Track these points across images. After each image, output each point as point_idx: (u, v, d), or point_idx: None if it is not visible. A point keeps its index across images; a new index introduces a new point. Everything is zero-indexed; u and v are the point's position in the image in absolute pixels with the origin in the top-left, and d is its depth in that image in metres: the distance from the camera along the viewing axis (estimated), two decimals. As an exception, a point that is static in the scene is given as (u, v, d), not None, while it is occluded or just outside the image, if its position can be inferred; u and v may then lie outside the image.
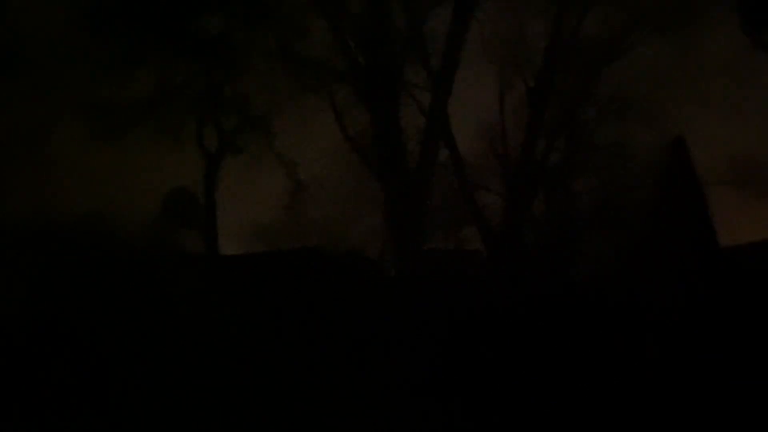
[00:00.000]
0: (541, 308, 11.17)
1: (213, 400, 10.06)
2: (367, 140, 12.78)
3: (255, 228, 13.24)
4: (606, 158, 13.04)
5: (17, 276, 10.99)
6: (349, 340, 10.61)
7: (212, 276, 12.18)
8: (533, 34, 13.11)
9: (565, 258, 12.49)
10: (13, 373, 10.09)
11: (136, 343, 10.63)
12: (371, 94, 12.57)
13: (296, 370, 10.30)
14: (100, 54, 12.28)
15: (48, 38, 12.26)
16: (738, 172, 12.59)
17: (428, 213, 12.61)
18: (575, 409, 9.78)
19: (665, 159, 12.36)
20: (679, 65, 12.49)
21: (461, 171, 12.81)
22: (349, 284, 11.69)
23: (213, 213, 13.06)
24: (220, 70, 12.68)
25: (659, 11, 12.79)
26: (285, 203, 13.08)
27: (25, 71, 12.21)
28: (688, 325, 10.55)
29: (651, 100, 12.69)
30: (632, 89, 12.88)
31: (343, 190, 12.86)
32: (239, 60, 12.62)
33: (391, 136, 12.55)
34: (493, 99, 13.07)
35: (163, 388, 10.19)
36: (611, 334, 10.38)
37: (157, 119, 12.64)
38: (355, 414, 9.68)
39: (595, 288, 11.71)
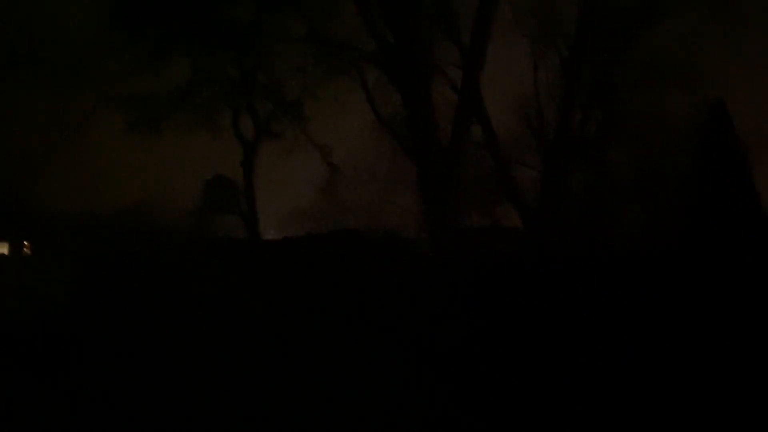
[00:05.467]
0: (580, 284, 11.07)
1: (262, 380, 10.26)
2: (399, 120, 12.73)
3: (292, 212, 13.40)
4: (644, 126, 12.72)
5: (65, 266, 11.36)
6: (388, 320, 10.69)
7: (254, 260, 12.41)
8: (565, 3, 12.83)
9: (603, 231, 12.30)
10: (62, 361, 10.44)
11: (183, 328, 10.89)
12: (402, 73, 12.49)
13: (338, 351, 10.43)
14: (135, 46, 12.47)
15: (84, 33, 12.51)
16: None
17: (463, 191, 12.53)
18: (613, 387, 9.69)
19: (705, 124, 12.06)
20: (717, 27, 12.09)
21: (495, 147, 12.66)
22: (387, 265, 11.75)
23: (252, 198, 13.26)
24: (252, 58, 12.77)
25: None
26: (321, 186, 13.18)
27: (63, 66, 12.50)
28: (733, 293, 10.33)
29: (689, 64, 12.30)
30: (669, 54, 12.50)
31: (378, 171, 12.88)
32: (271, 46, 12.69)
33: (423, 115, 12.47)
34: (527, 72, 12.87)
35: (212, 369, 10.43)
36: (648, 310, 10.22)
37: (193, 109, 12.84)
38: (395, 391, 9.76)
39: (635, 260, 11.51)
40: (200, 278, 11.49)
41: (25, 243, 12.79)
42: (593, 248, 11.97)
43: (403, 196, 12.82)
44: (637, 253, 11.78)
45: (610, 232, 12.27)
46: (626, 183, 12.61)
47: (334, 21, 12.58)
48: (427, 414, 9.56)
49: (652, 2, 12.48)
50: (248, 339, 10.83)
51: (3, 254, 12.82)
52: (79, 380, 10.23)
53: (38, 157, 12.53)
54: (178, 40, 12.33)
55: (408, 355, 10.18)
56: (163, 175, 12.63)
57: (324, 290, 11.30)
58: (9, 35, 12.40)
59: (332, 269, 11.69)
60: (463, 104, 12.66)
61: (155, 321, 10.95)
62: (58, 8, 12.45)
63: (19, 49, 12.38)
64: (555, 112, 12.70)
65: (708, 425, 8.68)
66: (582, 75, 12.67)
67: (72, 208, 12.15)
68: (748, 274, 10.47)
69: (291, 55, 12.67)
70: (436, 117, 12.65)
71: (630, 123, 12.72)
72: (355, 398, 9.86)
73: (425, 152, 12.46)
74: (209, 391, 10.09)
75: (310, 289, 11.39)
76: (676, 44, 12.28)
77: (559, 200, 12.43)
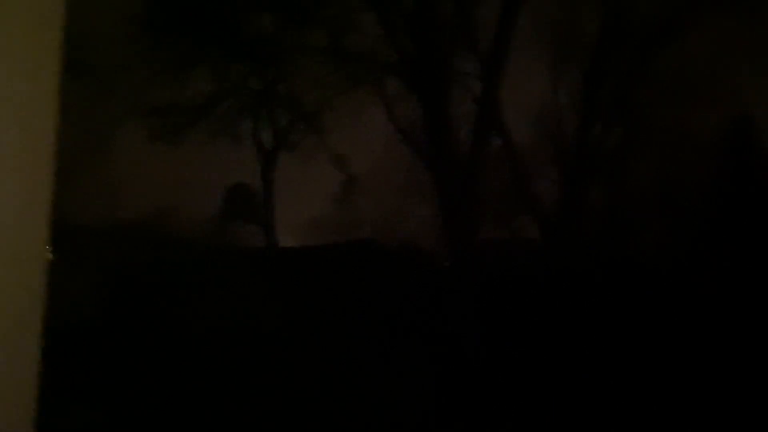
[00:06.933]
0: (600, 298, 10.98)
1: (274, 394, 10.30)
2: (418, 131, 12.72)
3: (310, 221, 13.45)
4: (667, 141, 12.59)
5: (86, 274, 11.49)
6: (403, 332, 10.68)
7: (272, 269, 12.46)
8: (586, 15, 12.74)
9: (624, 246, 12.18)
10: (84, 367, 10.55)
11: (200, 339, 10.96)
12: (421, 84, 12.48)
13: (351, 361, 10.44)
14: (157, 57, 12.62)
15: (106, 43, 12.68)
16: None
17: (482, 203, 12.47)
18: (637, 399, 9.59)
19: (730, 140, 11.91)
20: (742, 43, 11.92)
21: (514, 159, 12.59)
22: (403, 277, 11.74)
23: (271, 207, 13.34)
24: (273, 69, 12.87)
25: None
26: (338, 196, 13.21)
27: (85, 75, 12.68)
28: (755, 311, 10.19)
29: (713, 80, 12.15)
30: (694, 68, 12.36)
31: (396, 182, 12.88)
32: (292, 58, 12.78)
33: (442, 126, 12.44)
34: (547, 84, 12.80)
35: (228, 382, 10.49)
36: (669, 323, 10.11)
37: (214, 118, 12.96)
38: (409, 407, 9.74)
39: (656, 276, 11.40)
40: (219, 286, 11.56)
41: (47, 248, 12.96)
42: (612, 262, 11.86)
43: (420, 207, 12.82)
44: (656, 267, 11.66)
45: (629, 246, 12.16)
46: (647, 198, 12.48)
47: (354, 32, 12.63)
48: (440, 425, 9.53)
49: (676, 15, 12.36)
50: (266, 347, 10.88)
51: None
52: (102, 388, 10.35)
53: (61, 163, 12.70)
54: (204, 50, 12.46)
55: (424, 366, 10.16)
56: (183, 183, 12.76)
57: (340, 299, 11.33)
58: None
59: (349, 279, 11.71)
60: (482, 115, 12.61)
61: (176, 330, 11.04)
62: (81, 17, 12.63)
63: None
64: (575, 124, 12.62)
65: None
66: (603, 88, 12.58)
67: (93, 216, 12.30)
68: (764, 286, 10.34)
69: (311, 67, 12.73)
70: (455, 128, 12.63)
71: (652, 137, 12.61)
72: (370, 408, 9.85)
73: (444, 163, 12.43)
74: (227, 399, 10.15)
75: (326, 298, 11.42)
76: (702, 58, 12.14)
77: (578, 213, 12.34)
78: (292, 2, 12.59)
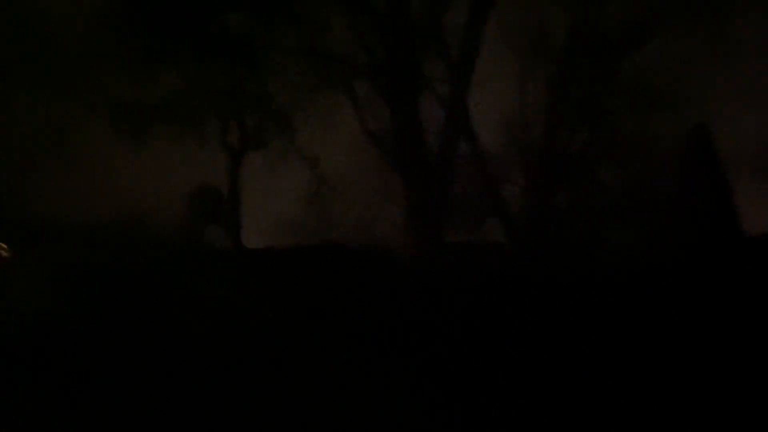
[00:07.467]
0: (563, 300, 11.17)
1: (240, 397, 10.25)
2: (387, 135, 12.80)
3: (278, 223, 13.39)
4: (629, 147, 12.91)
5: (45, 276, 11.25)
6: (371, 334, 10.72)
7: (237, 271, 12.36)
8: (554, 22, 12.98)
9: (588, 250, 12.43)
10: (37, 372, 10.34)
11: (166, 341, 10.84)
12: (391, 88, 12.57)
13: (319, 366, 10.44)
14: (123, 53, 12.42)
15: (71, 39, 12.44)
16: (764, 161, 12.41)
17: (450, 206, 12.61)
18: (601, 403, 9.80)
19: (687, 146, 12.23)
20: (704, 52, 12.30)
21: (482, 163, 12.78)
22: (371, 279, 11.77)
23: (237, 209, 13.24)
24: (242, 68, 12.78)
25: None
26: (307, 198, 13.18)
27: (48, 72, 12.43)
28: (712, 315, 10.49)
29: (675, 87, 12.51)
30: (656, 76, 12.71)
31: (365, 184, 12.93)
32: (261, 57, 12.70)
33: (411, 130, 12.56)
34: (515, 90, 12.99)
35: (194, 385, 10.40)
36: (634, 328, 10.35)
37: (180, 117, 12.80)
38: (377, 411, 9.79)
39: (617, 279, 11.65)
40: (185, 287, 11.44)
41: (3, 246, 12.64)
42: (578, 266, 12.10)
43: (389, 210, 12.90)
44: (620, 270, 11.93)
45: (595, 249, 12.42)
46: (612, 202, 12.78)
47: (326, 34, 12.63)
48: (408, 426, 9.61)
49: (640, 23, 12.68)
50: (232, 349, 10.81)
51: None
52: (61, 390, 10.15)
53: (24, 161, 12.43)
54: (171, 48, 12.30)
55: (391, 368, 10.21)
56: (148, 183, 12.58)
57: (307, 302, 11.31)
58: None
59: (317, 281, 11.69)
60: (450, 120, 12.77)
61: (140, 331, 10.89)
62: (47, 13, 12.38)
63: (8, 53, 12.29)
64: (542, 130, 12.85)
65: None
66: (569, 94, 12.83)
67: (56, 215, 12.05)
68: (724, 291, 10.67)
69: (281, 67, 12.69)
70: (424, 132, 12.74)
71: (616, 143, 12.92)
72: (336, 410, 9.87)
73: (412, 167, 12.54)
74: (190, 400, 10.07)
75: (293, 301, 11.39)
76: (663, 66, 12.49)
77: (544, 217, 12.57)
78: (263, 1, 12.54)
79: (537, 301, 11.14)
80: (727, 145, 11.56)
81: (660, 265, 11.60)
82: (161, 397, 10.20)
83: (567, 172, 12.83)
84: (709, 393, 9.60)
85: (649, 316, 10.69)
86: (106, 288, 11.52)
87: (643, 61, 12.77)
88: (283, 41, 12.67)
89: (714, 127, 11.62)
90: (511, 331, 10.73)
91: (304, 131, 12.85)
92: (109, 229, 12.42)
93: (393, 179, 12.76)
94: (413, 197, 12.50)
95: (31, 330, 10.79)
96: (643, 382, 9.89)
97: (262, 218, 13.30)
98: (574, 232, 12.69)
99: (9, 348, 10.44)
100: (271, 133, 13.02)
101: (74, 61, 12.52)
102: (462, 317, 10.99)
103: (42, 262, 11.58)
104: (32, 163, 12.45)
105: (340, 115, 12.71)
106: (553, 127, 12.81)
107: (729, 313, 10.46)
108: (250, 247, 13.29)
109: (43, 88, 12.54)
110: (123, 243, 12.25)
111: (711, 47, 12.09)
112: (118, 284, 11.52)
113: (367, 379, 10.14)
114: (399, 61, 12.48)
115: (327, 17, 12.52)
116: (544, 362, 10.30)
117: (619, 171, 12.95)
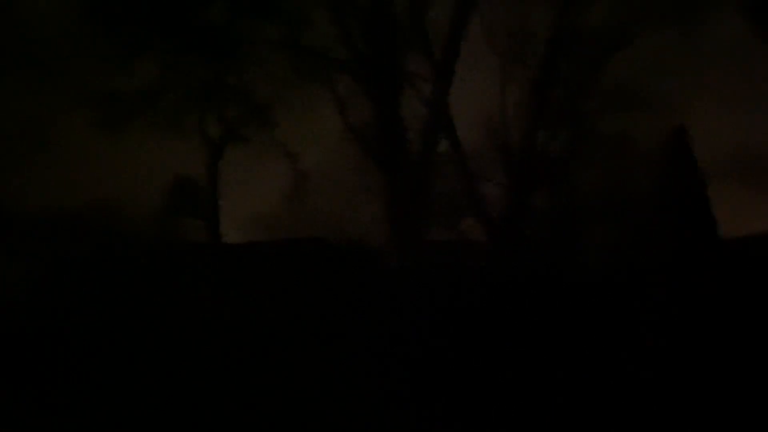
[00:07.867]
0: (542, 299, 11.20)
1: (216, 392, 10.15)
2: (369, 130, 12.79)
3: (257, 217, 13.31)
4: (608, 149, 13.01)
5: (22, 266, 11.09)
6: (349, 330, 10.67)
7: (215, 264, 12.26)
8: (536, 24, 13.07)
9: (566, 249, 12.49)
10: (15, 366, 10.18)
11: (140, 333, 10.71)
12: (373, 84, 12.58)
13: (296, 361, 10.37)
14: (103, 45, 12.31)
15: (51, 30, 12.31)
16: (740, 164, 12.57)
17: (429, 203, 12.62)
18: (574, 401, 9.82)
19: (666, 149, 12.34)
20: (682, 56, 12.45)
21: (462, 161, 12.81)
22: (350, 274, 11.73)
23: (216, 202, 13.14)
24: (223, 61, 12.70)
25: (663, 1, 12.73)
26: (287, 193, 13.12)
27: (28, 63, 12.27)
28: (687, 317, 10.57)
29: (654, 90, 12.65)
30: (635, 80, 12.84)
31: (345, 180, 12.89)
32: (242, 50, 12.64)
33: (392, 127, 12.56)
34: (495, 89, 13.04)
35: (167, 379, 10.28)
36: (611, 327, 10.39)
37: (160, 109, 12.69)
38: (354, 406, 9.75)
39: (595, 278, 11.71)
40: (162, 281, 11.32)
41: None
42: (556, 265, 12.15)
43: (370, 206, 12.88)
44: (598, 269, 12.00)
45: (573, 249, 12.49)
46: (591, 203, 12.86)
47: (308, 28, 12.61)
48: (386, 427, 9.57)
49: (621, 27, 12.80)
50: (203, 346, 10.70)
51: None
52: (34, 381, 10.00)
53: (0, 152, 12.25)
54: (151, 40, 12.21)
55: (370, 365, 10.18)
56: (127, 175, 12.46)
57: (287, 297, 11.24)
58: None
59: (297, 276, 11.62)
60: (431, 117, 12.79)
61: (116, 323, 10.76)
62: (26, 4, 12.24)
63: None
64: (522, 130, 12.91)
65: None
66: (550, 95, 12.91)
67: (33, 205, 11.89)
68: (701, 294, 10.75)
69: (263, 60, 12.64)
70: (405, 129, 12.75)
71: (595, 145, 13.01)
72: (313, 408, 9.81)
73: (393, 163, 12.55)
74: (166, 394, 9.97)
75: (273, 296, 11.31)
76: (643, 69, 12.61)
77: (523, 217, 12.62)
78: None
79: (515, 299, 11.16)
80: (705, 147, 11.70)
81: (638, 264, 11.69)
82: (135, 391, 10.08)
83: (547, 172, 12.90)
84: (690, 393, 9.67)
85: (626, 315, 10.74)
86: (80, 280, 11.37)
87: (624, 63, 12.89)
88: (265, 35, 12.62)
89: (693, 129, 11.76)
90: (488, 328, 10.74)
91: (285, 126, 12.81)
92: (86, 220, 12.28)
93: (373, 175, 12.74)
94: (393, 193, 12.50)
95: (3, 321, 10.63)
96: (619, 380, 9.94)
97: (241, 212, 13.22)
98: (552, 231, 12.75)
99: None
100: (251, 126, 12.96)
101: (54, 52, 12.38)
102: (440, 314, 10.98)
103: (16, 253, 11.41)
104: (8, 154, 12.28)
105: (321, 109, 12.69)
106: (533, 127, 12.88)
107: (705, 313, 10.55)
108: (228, 241, 13.20)
109: (21, 80, 12.38)
110: (99, 234, 12.11)
111: (690, 50, 12.23)
112: (92, 276, 11.38)
113: (346, 374, 10.10)
114: (381, 56, 12.49)
115: (309, 11, 12.49)
116: (520, 359, 10.32)
117: (598, 171, 13.04)
